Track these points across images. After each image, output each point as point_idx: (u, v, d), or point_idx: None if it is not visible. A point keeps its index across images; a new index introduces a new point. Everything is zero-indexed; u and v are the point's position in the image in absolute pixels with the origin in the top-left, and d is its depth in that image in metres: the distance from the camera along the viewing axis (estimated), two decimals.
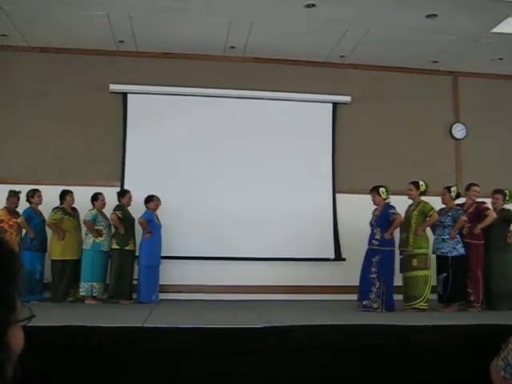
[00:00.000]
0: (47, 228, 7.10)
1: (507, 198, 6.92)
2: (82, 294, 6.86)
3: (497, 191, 6.95)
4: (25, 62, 7.98)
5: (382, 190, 6.60)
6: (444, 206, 6.76)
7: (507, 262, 6.73)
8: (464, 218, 6.52)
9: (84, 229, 7.12)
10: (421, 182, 6.64)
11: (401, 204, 6.71)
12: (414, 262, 6.46)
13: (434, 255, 6.61)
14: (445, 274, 6.44)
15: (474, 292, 6.56)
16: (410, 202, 6.72)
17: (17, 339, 0.96)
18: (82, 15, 6.94)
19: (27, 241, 6.94)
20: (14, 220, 6.93)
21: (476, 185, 6.95)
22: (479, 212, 6.72)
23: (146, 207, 7.25)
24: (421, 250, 6.47)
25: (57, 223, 7.00)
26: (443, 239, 6.52)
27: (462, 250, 6.46)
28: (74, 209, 7.24)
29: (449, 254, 6.44)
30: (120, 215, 7.03)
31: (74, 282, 6.95)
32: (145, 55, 8.14)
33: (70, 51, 7.98)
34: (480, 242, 6.66)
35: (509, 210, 6.86)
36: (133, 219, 7.23)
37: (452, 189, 6.78)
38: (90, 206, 7.14)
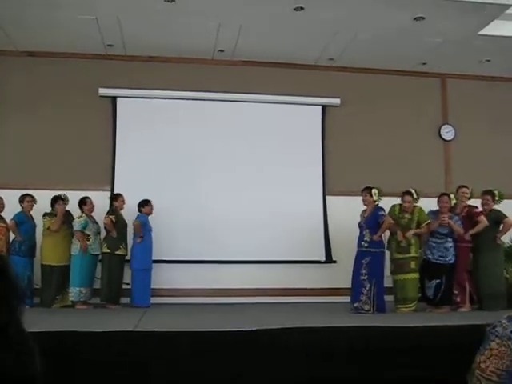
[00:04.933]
0: (37, 233, 7.07)
1: (496, 199, 6.96)
2: (71, 299, 6.81)
3: (486, 192, 6.98)
4: (12, 67, 7.93)
5: (374, 191, 6.63)
6: (435, 209, 6.80)
7: (497, 263, 6.78)
8: (462, 230, 6.59)
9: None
10: (412, 191, 6.71)
11: (389, 206, 6.76)
12: (413, 265, 6.53)
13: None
14: (438, 281, 6.46)
15: (460, 294, 6.62)
16: (397, 202, 6.78)
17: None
18: (70, 19, 6.91)
19: (16, 245, 6.90)
20: (2, 224, 6.89)
21: (465, 186, 6.99)
22: (471, 216, 6.76)
23: (140, 211, 7.22)
24: (417, 254, 6.55)
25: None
26: (446, 248, 6.54)
27: (454, 258, 6.55)
28: (68, 214, 7.19)
29: (449, 262, 6.50)
30: (114, 219, 7.01)
31: (62, 288, 6.91)
32: (134, 59, 8.11)
33: (59, 55, 7.95)
34: (467, 245, 6.73)
35: (498, 210, 6.90)
36: (125, 223, 7.20)
37: (452, 196, 6.84)
38: (79, 210, 7.09)
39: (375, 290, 6.31)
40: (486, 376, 1.67)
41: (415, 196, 6.72)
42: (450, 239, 6.56)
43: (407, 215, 6.66)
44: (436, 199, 6.84)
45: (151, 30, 7.32)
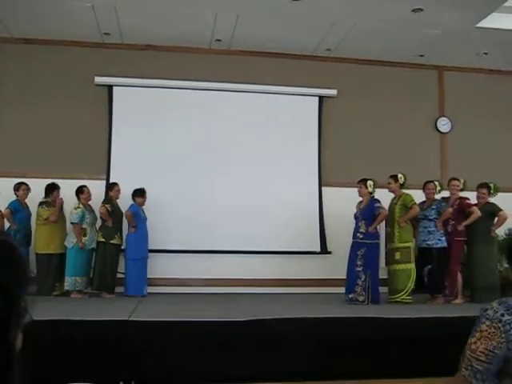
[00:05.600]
0: (32, 222, 7.06)
1: (492, 192, 6.98)
2: (66, 288, 6.82)
3: (482, 185, 6.99)
4: (8, 54, 7.87)
5: (369, 182, 6.63)
6: (424, 199, 6.82)
7: (491, 255, 6.80)
8: (450, 209, 6.59)
9: (68, 223, 7.07)
10: (399, 175, 6.71)
11: (386, 197, 6.78)
12: (397, 256, 6.53)
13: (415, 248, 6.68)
14: (430, 266, 6.49)
15: (450, 286, 6.66)
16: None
17: (18, 340, 0.96)
18: (66, 7, 6.86)
19: (11, 234, 6.86)
20: None
21: (456, 179, 7.00)
22: (462, 208, 6.77)
23: (134, 200, 7.22)
24: (404, 244, 6.53)
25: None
26: (429, 231, 6.57)
27: (445, 243, 6.54)
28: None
29: (434, 246, 6.50)
30: (109, 208, 7.00)
31: (60, 276, 6.90)
32: (130, 48, 8.07)
33: (55, 43, 7.89)
34: (461, 239, 6.76)
35: (493, 203, 6.92)
36: (121, 213, 7.19)
37: (436, 183, 6.84)
38: (75, 199, 7.05)
39: (370, 281, 6.33)
40: (476, 356, 1.73)
41: (402, 181, 6.71)
42: (432, 223, 6.57)
43: (394, 200, 6.70)
44: None
45: (148, 19, 7.27)
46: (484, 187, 6.96)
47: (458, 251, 6.73)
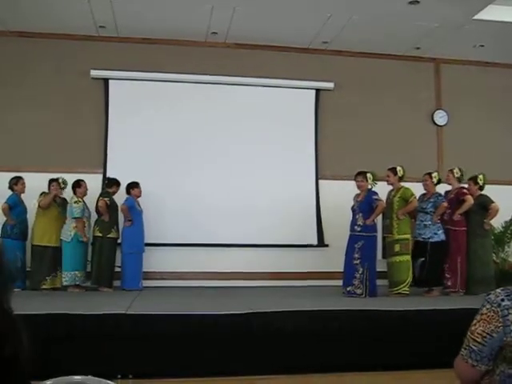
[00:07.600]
0: (28, 216, 7.01)
1: (481, 183, 6.94)
2: (65, 283, 6.76)
3: (470, 178, 7.00)
4: (3, 47, 7.82)
5: (369, 175, 6.60)
6: (425, 191, 6.82)
7: (484, 248, 6.81)
8: (445, 204, 6.59)
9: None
10: (398, 168, 6.70)
11: (384, 190, 6.78)
12: (397, 248, 6.52)
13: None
14: (422, 259, 6.50)
15: (451, 278, 6.63)
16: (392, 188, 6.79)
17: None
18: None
19: (7, 228, 6.84)
20: None
21: (449, 170, 6.99)
22: (458, 197, 6.77)
23: (129, 193, 7.20)
24: (403, 236, 6.53)
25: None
26: (425, 225, 6.57)
27: (442, 236, 6.53)
28: (64, 199, 7.11)
29: (430, 240, 6.51)
30: (108, 202, 6.99)
31: (53, 271, 6.85)
32: (126, 41, 8.02)
33: (50, 36, 7.84)
34: (461, 229, 6.70)
35: (485, 195, 6.89)
36: (117, 206, 7.17)
37: (433, 175, 6.83)
38: (70, 193, 7.03)
39: (368, 274, 6.33)
40: (473, 337, 1.79)
41: (401, 174, 6.70)
42: (428, 217, 6.58)
43: (393, 193, 6.71)
44: None
45: (144, 12, 7.23)
46: (470, 179, 6.96)
47: (459, 242, 6.67)
